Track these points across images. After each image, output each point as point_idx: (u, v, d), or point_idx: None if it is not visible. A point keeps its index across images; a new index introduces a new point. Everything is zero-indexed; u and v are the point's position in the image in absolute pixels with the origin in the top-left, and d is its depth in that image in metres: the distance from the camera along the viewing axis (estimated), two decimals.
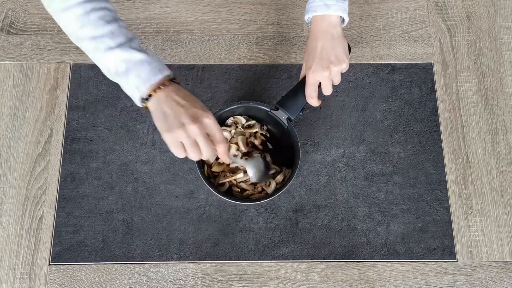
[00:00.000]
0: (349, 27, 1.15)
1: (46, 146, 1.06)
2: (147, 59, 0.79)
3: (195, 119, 0.77)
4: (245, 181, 0.98)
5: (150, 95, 0.79)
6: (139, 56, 0.78)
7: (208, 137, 0.79)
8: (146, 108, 0.81)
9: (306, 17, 0.92)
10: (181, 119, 0.77)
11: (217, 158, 0.98)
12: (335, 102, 1.10)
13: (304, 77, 0.93)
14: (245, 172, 0.97)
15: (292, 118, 0.95)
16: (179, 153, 0.79)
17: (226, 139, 0.97)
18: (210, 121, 0.79)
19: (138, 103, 0.81)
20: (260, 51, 1.14)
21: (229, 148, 0.97)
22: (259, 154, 0.99)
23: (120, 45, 0.78)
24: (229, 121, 1.02)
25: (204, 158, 0.80)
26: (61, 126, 1.07)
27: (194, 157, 0.79)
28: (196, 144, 0.79)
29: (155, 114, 0.79)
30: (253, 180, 0.96)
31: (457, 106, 1.10)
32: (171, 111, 0.78)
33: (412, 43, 1.14)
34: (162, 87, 0.78)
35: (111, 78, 0.81)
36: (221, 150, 0.81)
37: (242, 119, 1.02)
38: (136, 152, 1.06)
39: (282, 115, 0.96)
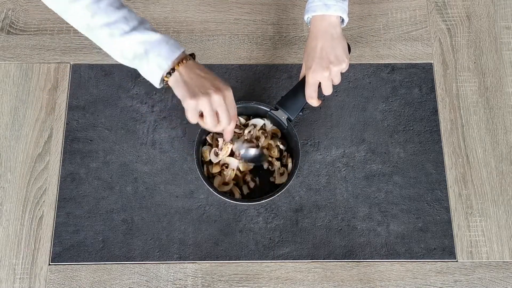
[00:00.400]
0: (349, 27, 1.15)
1: (46, 146, 1.06)
2: (164, 38, 0.81)
3: (219, 90, 0.81)
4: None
5: (173, 70, 0.81)
6: (156, 36, 0.80)
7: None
8: (167, 85, 0.83)
9: (305, 17, 0.92)
10: (206, 88, 0.81)
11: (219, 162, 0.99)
12: (335, 102, 1.10)
13: (304, 77, 0.93)
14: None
15: (292, 118, 0.95)
16: (194, 119, 0.83)
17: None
18: (230, 95, 0.83)
19: (158, 83, 0.83)
20: (260, 51, 1.14)
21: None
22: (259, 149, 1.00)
23: (135, 28, 0.79)
24: None
25: (220, 128, 0.85)
26: (61, 126, 1.07)
27: (211, 125, 0.83)
28: (215, 114, 0.82)
29: (177, 84, 0.82)
30: (244, 156, 0.99)
31: (457, 106, 1.10)
32: (195, 80, 0.81)
33: (412, 43, 1.14)
34: (183, 61, 0.81)
35: (127, 64, 0.83)
36: (229, 128, 0.87)
37: (241, 120, 1.02)
38: (136, 152, 1.06)
39: (282, 115, 0.96)
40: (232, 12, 1.17)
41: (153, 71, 0.81)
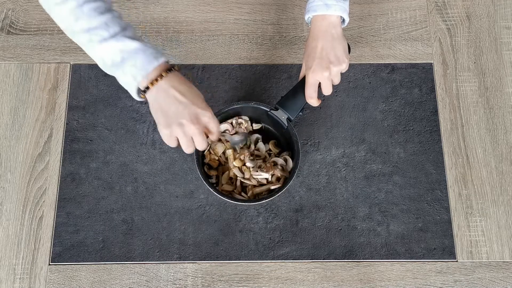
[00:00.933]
0: (349, 27, 1.15)
1: (46, 146, 1.06)
2: (142, 47, 0.77)
3: (194, 120, 0.78)
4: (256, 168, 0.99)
5: (147, 88, 0.77)
6: (133, 44, 0.76)
7: (204, 130, 0.81)
8: (144, 98, 0.80)
9: (306, 17, 0.92)
10: (179, 118, 0.77)
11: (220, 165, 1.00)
12: (335, 102, 1.10)
13: (304, 77, 0.93)
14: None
15: (292, 118, 0.95)
16: (171, 144, 0.81)
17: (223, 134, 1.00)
18: (208, 119, 0.80)
19: (135, 95, 0.80)
20: (260, 51, 1.14)
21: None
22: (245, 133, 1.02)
23: (114, 35, 0.76)
24: (233, 121, 1.03)
25: (199, 150, 0.82)
26: (61, 126, 1.07)
27: (187, 150, 0.81)
28: (191, 140, 0.80)
29: (153, 106, 0.79)
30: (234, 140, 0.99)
31: (457, 106, 1.10)
32: (169, 107, 0.77)
33: (412, 43, 1.14)
34: (159, 78, 0.77)
35: (107, 71, 0.80)
36: (212, 138, 0.83)
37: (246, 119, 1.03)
38: (136, 152, 1.06)
39: (281, 115, 0.95)
40: (232, 12, 1.17)
41: (128, 82, 0.78)
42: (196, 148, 0.82)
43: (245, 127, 1.01)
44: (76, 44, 1.13)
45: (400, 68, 1.12)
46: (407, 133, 1.07)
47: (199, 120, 0.78)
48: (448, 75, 1.12)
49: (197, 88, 0.82)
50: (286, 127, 0.96)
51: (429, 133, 1.07)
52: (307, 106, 0.95)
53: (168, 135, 0.80)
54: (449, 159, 1.06)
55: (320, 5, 0.88)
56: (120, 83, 0.80)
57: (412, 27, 1.16)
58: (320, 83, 0.91)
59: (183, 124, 0.78)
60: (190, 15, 1.16)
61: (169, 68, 0.79)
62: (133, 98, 1.09)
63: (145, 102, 0.81)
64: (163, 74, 0.77)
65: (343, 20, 0.91)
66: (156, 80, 0.77)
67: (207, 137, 0.83)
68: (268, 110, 0.97)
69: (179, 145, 0.82)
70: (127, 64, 0.77)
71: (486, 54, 1.14)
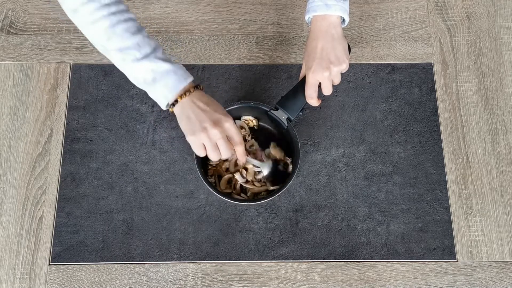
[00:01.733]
0: (349, 27, 1.15)
1: (46, 146, 1.06)
2: (173, 68, 0.83)
3: (216, 124, 0.83)
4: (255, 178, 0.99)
5: (176, 101, 0.84)
6: (165, 66, 0.83)
7: (227, 139, 0.86)
8: (172, 112, 0.86)
9: (306, 17, 0.92)
10: (203, 123, 0.83)
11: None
12: (335, 102, 1.10)
13: (304, 77, 0.93)
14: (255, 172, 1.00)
15: (292, 118, 0.95)
16: (200, 153, 0.86)
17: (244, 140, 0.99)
18: (230, 125, 0.85)
19: (163, 108, 0.87)
20: (260, 51, 1.14)
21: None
22: (270, 160, 1.00)
23: (146, 56, 0.82)
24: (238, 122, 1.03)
25: (223, 158, 0.87)
26: (61, 126, 1.07)
27: (213, 157, 0.86)
28: (216, 146, 0.85)
29: (180, 117, 0.85)
30: (265, 177, 0.99)
31: (457, 106, 1.10)
32: (195, 116, 0.84)
33: (412, 43, 1.14)
34: (187, 93, 0.84)
35: (139, 86, 0.86)
36: (239, 151, 0.88)
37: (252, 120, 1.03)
38: (136, 152, 1.06)
39: (282, 115, 0.95)
40: (232, 12, 1.17)
41: (159, 99, 0.85)
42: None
43: (259, 151, 1.01)
44: (79, 44, 1.14)
45: (400, 68, 1.12)
46: (407, 133, 1.07)
47: (220, 125, 0.84)
48: (448, 75, 1.12)
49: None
50: (286, 127, 0.96)
51: (429, 133, 1.07)
52: (307, 106, 0.95)
53: (195, 142, 0.85)
54: (449, 159, 1.06)
55: (320, 5, 0.88)
56: (150, 96, 0.86)
57: (412, 27, 1.16)
58: (320, 83, 0.91)
59: (206, 128, 0.83)
60: (190, 15, 1.16)
61: (195, 86, 0.86)
62: (133, 98, 1.09)
63: (171, 114, 0.88)
64: (190, 90, 0.84)
65: (343, 20, 0.91)
66: (185, 95, 0.84)
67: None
68: (268, 110, 0.97)
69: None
70: (159, 84, 0.83)
71: (486, 54, 1.14)
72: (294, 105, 0.95)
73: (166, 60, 0.84)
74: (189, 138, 0.85)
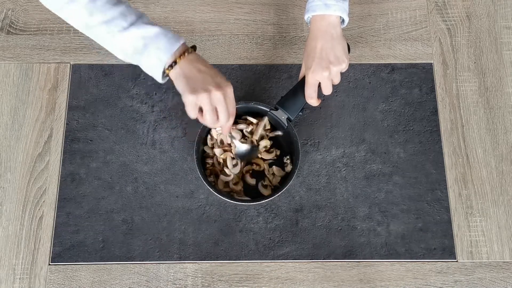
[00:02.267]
0: (349, 27, 1.15)
1: (46, 146, 1.06)
2: (162, 31, 0.81)
3: (219, 87, 0.81)
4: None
5: (175, 62, 0.81)
6: (154, 29, 0.80)
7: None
8: (167, 76, 0.83)
9: (306, 17, 0.92)
10: (206, 84, 0.81)
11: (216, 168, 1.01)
12: (335, 102, 1.10)
13: (304, 77, 0.93)
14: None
15: (292, 118, 0.95)
16: (193, 114, 0.83)
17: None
18: (230, 92, 0.84)
19: (160, 77, 0.83)
20: (260, 51, 1.14)
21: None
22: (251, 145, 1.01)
23: (133, 24, 0.80)
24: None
25: (218, 125, 0.85)
26: (61, 126, 1.07)
27: (210, 121, 0.83)
28: (215, 110, 0.83)
29: (178, 78, 0.82)
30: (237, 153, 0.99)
31: (457, 106, 1.09)
32: (196, 75, 0.81)
33: (412, 43, 1.14)
34: (185, 54, 0.82)
35: (128, 60, 0.83)
36: (229, 123, 0.86)
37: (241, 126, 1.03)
38: (136, 152, 1.06)
39: (281, 115, 0.95)
40: (232, 12, 1.17)
41: (153, 64, 0.81)
42: (196, 147, 0.83)
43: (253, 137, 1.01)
44: (79, 44, 1.14)
45: (400, 68, 1.12)
46: (407, 133, 1.07)
47: (224, 89, 0.82)
48: (448, 75, 1.12)
49: None
50: (286, 127, 0.96)
51: (429, 133, 1.07)
52: (307, 106, 0.95)
53: (193, 102, 0.81)
54: (449, 159, 1.06)
55: (319, 5, 0.88)
56: (143, 68, 0.83)
57: (412, 27, 1.15)
58: (320, 83, 0.91)
59: (209, 90, 0.80)
60: (190, 15, 1.16)
61: (190, 49, 0.83)
62: (133, 98, 1.09)
63: (169, 82, 0.85)
64: (187, 52, 0.82)
65: (343, 20, 0.91)
66: (183, 55, 0.81)
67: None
68: (268, 110, 0.97)
69: (197, 120, 0.85)
70: (151, 48, 0.80)
71: (486, 54, 1.13)
72: (294, 105, 0.95)
73: (154, 24, 0.81)
74: (188, 97, 0.81)
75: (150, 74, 0.84)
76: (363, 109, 1.09)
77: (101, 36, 0.81)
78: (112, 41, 0.81)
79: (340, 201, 1.03)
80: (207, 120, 0.83)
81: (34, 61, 1.12)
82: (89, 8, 0.78)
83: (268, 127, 1.02)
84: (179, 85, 0.82)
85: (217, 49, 1.13)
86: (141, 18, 0.81)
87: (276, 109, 0.96)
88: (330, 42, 0.89)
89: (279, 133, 1.02)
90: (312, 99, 0.92)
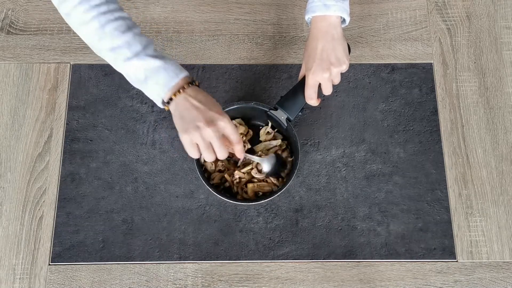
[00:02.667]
0: (349, 27, 1.15)
1: (46, 146, 1.06)
2: (163, 65, 0.81)
3: (210, 123, 0.80)
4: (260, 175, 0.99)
5: (171, 99, 0.81)
6: (155, 63, 0.80)
7: (224, 137, 0.83)
8: (168, 110, 0.83)
9: (306, 17, 0.92)
10: (196, 122, 0.80)
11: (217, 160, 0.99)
12: (335, 102, 1.10)
13: (304, 77, 0.93)
14: (258, 170, 0.99)
15: (292, 119, 0.95)
16: (193, 154, 0.82)
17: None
18: (225, 124, 0.81)
19: (160, 106, 0.84)
20: (260, 51, 1.13)
21: (244, 147, 0.98)
22: (273, 154, 0.99)
23: (136, 55, 0.80)
24: None
25: (220, 158, 0.83)
26: (61, 126, 1.07)
27: (208, 158, 0.82)
28: (210, 146, 0.81)
29: (174, 115, 0.82)
30: (267, 172, 0.97)
31: (457, 106, 1.10)
32: (188, 113, 0.80)
33: (412, 43, 1.14)
34: (181, 90, 0.81)
35: (134, 85, 0.84)
36: (238, 149, 0.85)
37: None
38: (136, 152, 1.06)
39: (281, 115, 0.95)
40: (232, 12, 1.17)
41: (153, 97, 0.83)
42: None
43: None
44: (79, 44, 1.14)
45: (400, 68, 1.12)
46: (407, 133, 1.07)
47: (215, 123, 0.80)
48: (448, 75, 1.12)
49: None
50: (285, 127, 0.96)
51: (429, 133, 1.07)
52: (306, 106, 0.95)
53: (188, 142, 0.81)
54: (449, 159, 1.06)
55: (319, 6, 0.88)
56: (147, 95, 0.84)
57: (412, 27, 1.15)
58: (320, 83, 0.91)
59: (199, 127, 0.79)
60: (190, 15, 1.16)
61: (190, 82, 0.82)
62: (133, 98, 1.09)
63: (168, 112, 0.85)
64: (184, 87, 0.81)
65: (344, 20, 0.91)
66: (179, 92, 0.81)
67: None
68: (268, 110, 0.97)
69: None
70: (151, 82, 0.81)
71: (486, 54, 1.14)
72: (294, 105, 0.95)
73: (157, 56, 0.81)
74: (182, 137, 0.81)
75: (154, 100, 0.85)
76: (363, 109, 1.09)
77: (109, 61, 0.82)
78: (118, 68, 0.82)
79: (340, 201, 1.03)
80: (205, 157, 0.82)
81: (34, 61, 1.12)
82: (99, 34, 0.79)
83: (269, 130, 1.02)
84: (175, 124, 0.82)
85: (217, 49, 1.13)
86: (146, 48, 0.81)
87: (276, 109, 0.96)
88: (331, 43, 0.89)
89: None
90: (312, 100, 0.92)
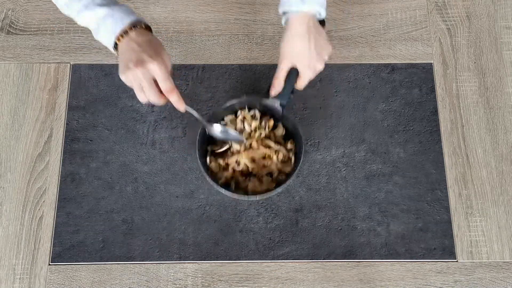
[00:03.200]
0: (350, 27, 1.15)
1: (46, 146, 1.06)
2: (109, 12, 0.83)
3: (139, 64, 0.80)
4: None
5: (116, 44, 0.83)
6: (101, 11, 0.83)
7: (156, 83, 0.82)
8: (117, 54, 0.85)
9: (280, 10, 0.92)
10: (128, 63, 0.81)
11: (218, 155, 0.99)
12: (335, 102, 1.10)
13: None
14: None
15: (284, 103, 0.96)
16: (137, 94, 0.84)
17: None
18: (155, 67, 0.81)
19: (114, 53, 0.86)
20: (260, 51, 1.13)
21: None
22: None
23: (86, 6, 0.83)
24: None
25: (152, 102, 0.84)
26: (61, 126, 1.07)
27: (140, 98, 0.84)
28: (141, 87, 0.82)
29: (118, 58, 0.84)
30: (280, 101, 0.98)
31: (457, 106, 1.10)
32: (125, 55, 0.82)
33: (412, 43, 1.14)
34: (124, 34, 0.82)
35: (97, 39, 0.86)
36: (173, 99, 0.84)
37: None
38: (136, 152, 1.06)
39: (274, 102, 0.97)
40: (232, 12, 1.17)
41: (105, 45, 0.86)
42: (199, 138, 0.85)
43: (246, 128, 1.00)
44: (79, 44, 1.14)
45: (400, 68, 1.12)
46: (407, 133, 1.07)
47: (144, 65, 0.80)
48: (448, 75, 1.12)
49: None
50: (282, 112, 0.97)
51: (429, 133, 1.07)
52: (296, 92, 0.96)
53: (127, 82, 0.82)
54: (449, 159, 1.06)
55: (295, 1, 0.89)
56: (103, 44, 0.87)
57: (412, 27, 1.15)
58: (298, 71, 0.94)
59: (130, 67, 0.80)
60: (190, 15, 1.16)
61: (134, 25, 0.83)
62: (133, 98, 1.09)
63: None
64: (127, 31, 0.83)
65: (320, 13, 0.91)
66: (121, 36, 0.83)
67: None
68: (260, 101, 0.98)
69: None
70: (101, 30, 0.84)
71: (486, 54, 1.14)
72: (283, 91, 0.96)
73: (104, 5, 0.83)
74: (121, 77, 0.83)
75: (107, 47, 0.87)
76: (363, 109, 1.09)
77: (69, 16, 0.86)
78: (79, 22, 0.86)
79: (340, 201, 1.03)
80: (137, 94, 0.84)
81: (34, 61, 1.12)
82: None
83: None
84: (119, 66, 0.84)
85: (217, 49, 1.13)
86: None
87: (267, 98, 0.97)
88: (308, 41, 0.90)
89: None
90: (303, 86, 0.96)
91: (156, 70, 0.81)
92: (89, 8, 0.83)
